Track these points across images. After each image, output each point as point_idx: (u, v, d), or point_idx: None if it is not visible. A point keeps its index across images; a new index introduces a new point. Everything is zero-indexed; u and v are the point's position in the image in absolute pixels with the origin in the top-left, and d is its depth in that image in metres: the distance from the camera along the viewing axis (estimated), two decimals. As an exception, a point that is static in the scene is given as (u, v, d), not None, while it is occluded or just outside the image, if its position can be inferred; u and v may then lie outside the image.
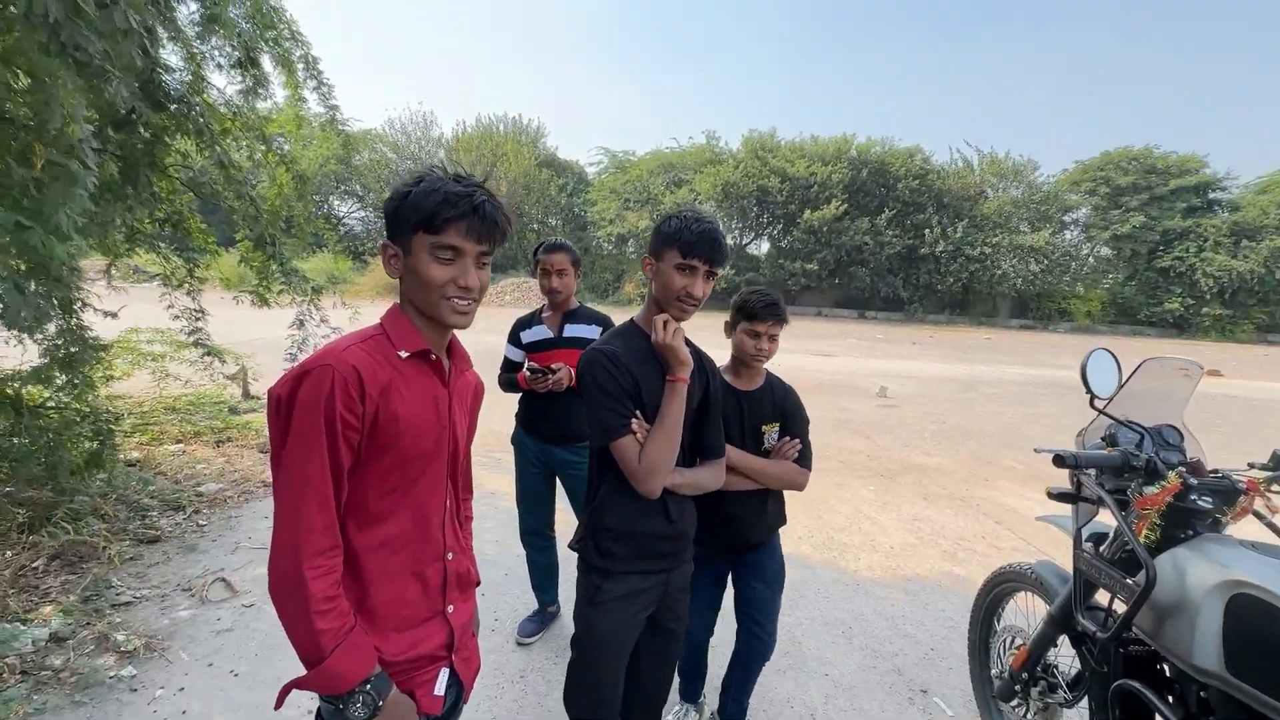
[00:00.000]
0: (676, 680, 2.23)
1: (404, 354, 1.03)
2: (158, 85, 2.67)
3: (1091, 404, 1.53)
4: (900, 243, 25.66)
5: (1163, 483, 1.48)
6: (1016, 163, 28.04)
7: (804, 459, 2.00)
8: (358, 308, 4.12)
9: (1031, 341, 20.36)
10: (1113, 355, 1.56)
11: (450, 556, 1.10)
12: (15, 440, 3.28)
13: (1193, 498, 1.46)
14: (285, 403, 0.92)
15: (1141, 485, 1.53)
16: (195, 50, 3.51)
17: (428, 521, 1.05)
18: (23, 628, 2.40)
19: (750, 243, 28.46)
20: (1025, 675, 1.88)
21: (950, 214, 26.50)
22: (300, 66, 3.98)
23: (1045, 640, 1.82)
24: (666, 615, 1.54)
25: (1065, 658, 1.83)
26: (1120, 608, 1.51)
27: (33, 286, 2.34)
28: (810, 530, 4.00)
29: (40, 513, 3.04)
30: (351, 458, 0.95)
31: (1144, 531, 1.51)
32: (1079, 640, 1.72)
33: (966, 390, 10.00)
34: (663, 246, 1.42)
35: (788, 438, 1.99)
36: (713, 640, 2.17)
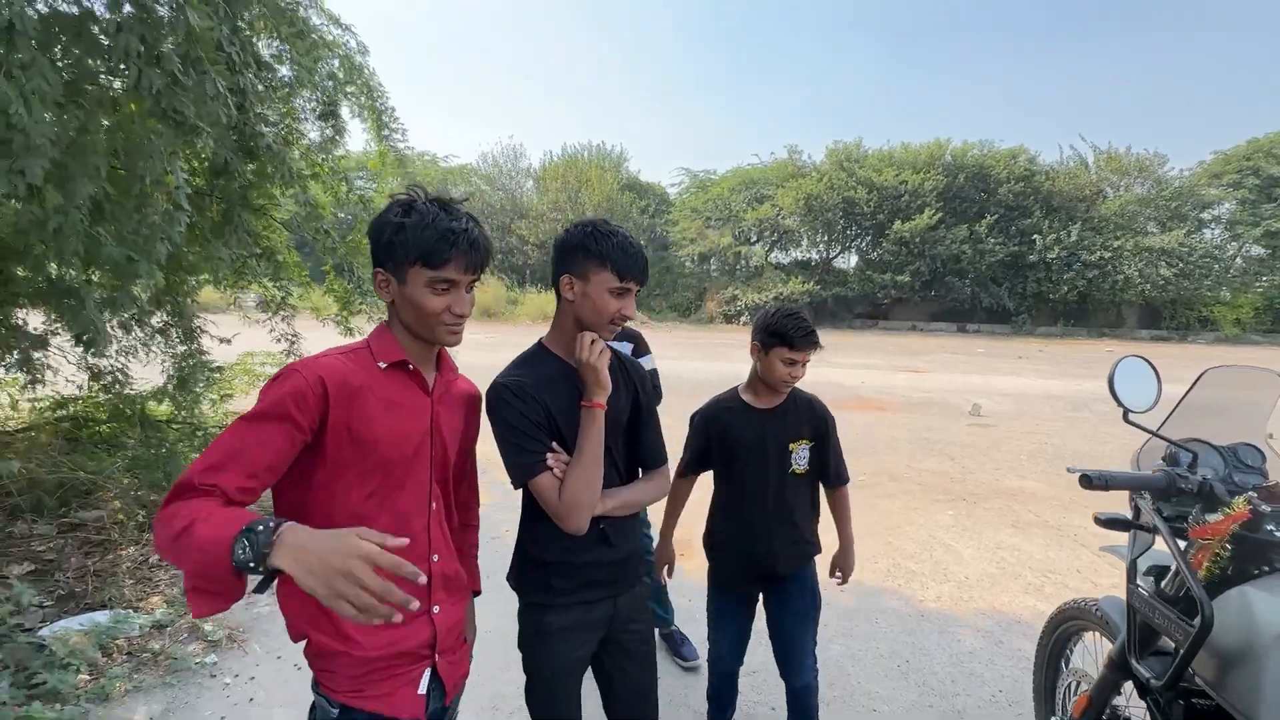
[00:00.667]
0: (705, 707, 2.17)
1: (383, 365, 1.11)
2: (250, 137, 3.03)
3: (1125, 419, 1.36)
4: (1004, 250, 23.81)
5: (1226, 509, 1.28)
6: (1140, 157, 25.31)
7: (840, 474, 1.95)
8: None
9: (1167, 354, 18.11)
10: (1148, 363, 1.38)
11: (436, 559, 1.15)
12: (141, 451, 3.77)
13: (1268, 528, 1.26)
14: (260, 393, 1.02)
15: (1202, 512, 1.33)
16: (289, 107, 3.96)
17: (410, 523, 1.11)
18: (134, 615, 2.74)
19: (837, 256, 27.54)
20: (1087, 725, 1.67)
21: (1062, 217, 24.30)
22: (375, 114, 4.38)
23: (1108, 687, 1.61)
24: (624, 636, 1.47)
25: (1138, 708, 1.61)
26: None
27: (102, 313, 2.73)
28: (875, 556, 3.77)
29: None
30: (290, 452, 0.99)
31: (1205, 566, 1.31)
32: (1144, 689, 1.51)
33: (1076, 409, 9.06)
34: (589, 266, 1.30)
35: (839, 573, 1.99)
36: (753, 668, 2.09)
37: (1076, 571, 3.61)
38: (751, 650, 2.10)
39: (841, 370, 12.32)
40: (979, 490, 5.11)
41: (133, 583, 3.01)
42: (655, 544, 2.14)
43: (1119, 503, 1.62)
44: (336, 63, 4.27)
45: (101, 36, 2.51)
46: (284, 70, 3.89)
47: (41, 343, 3.58)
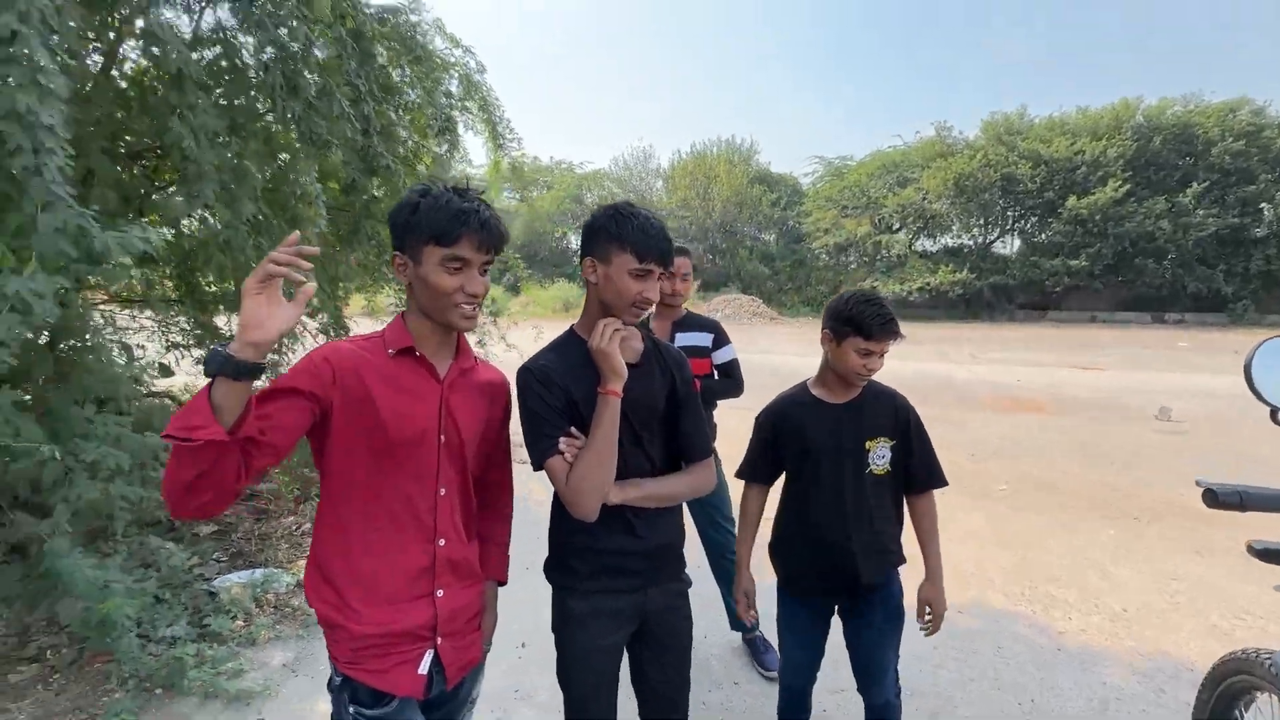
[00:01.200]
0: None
1: (392, 351, 1.16)
2: (372, 158, 3.38)
3: (1273, 417, 1.04)
4: (1217, 223, 19.79)
5: None
6: None
7: (931, 477, 1.72)
8: (541, 328, 4.65)
9: None
10: None
11: (442, 543, 1.18)
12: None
13: None
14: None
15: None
16: (419, 124, 4.37)
17: (413, 504, 1.15)
18: (284, 574, 3.17)
19: (995, 240, 24.69)
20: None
21: (1302, 179, 19.70)
22: (491, 126, 4.69)
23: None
24: (657, 631, 1.42)
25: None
26: None
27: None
28: (1010, 574, 3.31)
29: (307, 488, 3.98)
30: (300, 420, 1.06)
31: None
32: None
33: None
34: (610, 248, 1.28)
35: (928, 611, 1.73)
36: (840, 685, 1.92)
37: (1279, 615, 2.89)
38: (837, 665, 1.93)
39: (994, 366, 11.03)
40: (1154, 506, 4.29)
41: (287, 546, 3.50)
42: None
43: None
44: (455, 82, 4.64)
45: (251, 75, 2.94)
46: (411, 94, 4.30)
47: (225, 340, 4.30)
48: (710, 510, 2.55)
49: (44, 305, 1.74)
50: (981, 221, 24.29)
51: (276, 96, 2.79)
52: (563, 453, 1.27)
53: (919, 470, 1.71)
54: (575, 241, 32.96)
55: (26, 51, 1.70)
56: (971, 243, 24.88)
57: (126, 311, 4.05)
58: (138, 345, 3.84)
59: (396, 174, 3.52)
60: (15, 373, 2.25)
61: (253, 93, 2.94)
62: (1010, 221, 24.17)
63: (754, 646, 2.61)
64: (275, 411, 1.02)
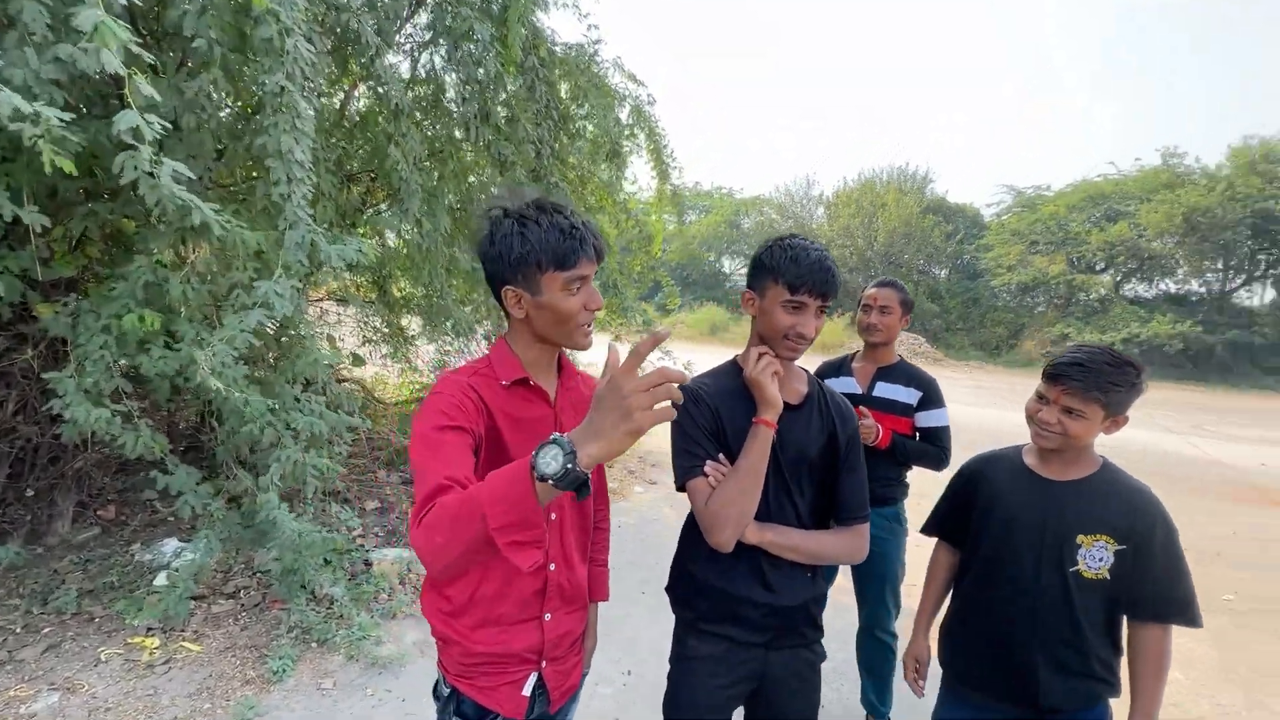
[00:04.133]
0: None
1: (505, 382, 1.12)
2: (543, 177, 3.67)
3: None
4: None
5: None
6: None
7: (1167, 607, 1.34)
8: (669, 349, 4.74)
9: None
10: None
11: (552, 568, 1.17)
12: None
13: None
14: (425, 411, 1.10)
15: None
16: (591, 148, 4.67)
17: None
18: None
19: (1238, 288, 20.45)
20: None
21: None
22: (657, 154, 4.86)
23: None
24: (776, 697, 1.31)
25: None
26: None
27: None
28: (1229, 712, 2.64)
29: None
30: (469, 456, 1.02)
31: None
32: None
33: None
34: (765, 280, 1.27)
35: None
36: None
37: None
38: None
39: (1230, 445, 9.02)
40: None
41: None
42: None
43: None
44: (626, 112, 4.88)
45: (451, 107, 3.34)
46: (587, 123, 4.60)
47: (409, 340, 4.87)
48: (881, 581, 2.27)
49: (283, 303, 2.10)
50: (1219, 266, 20.30)
51: (471, 125, 3.14)
52: (706, 475, 1.26)
53: (1151, 592, 1.35)
54: (728, 265, 33.08)
55: (290, 103, 2.07)
56: (1204, 290, 20.87)
57: (333, 310, 4.76)
58: (340, 338, 4.49)
59: (563, 192, 3.79)
60: (250, 354, 2.74)
61: (451, 121, 3.34)
62: (1262, 267, 19.93)
63: (880, 732, 2.33)
64: (469, 467, 0.97)
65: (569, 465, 0.75)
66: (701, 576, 1.34)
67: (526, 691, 1.16)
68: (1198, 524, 5.29)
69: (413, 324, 4.92)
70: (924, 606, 1.67)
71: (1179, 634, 1.35)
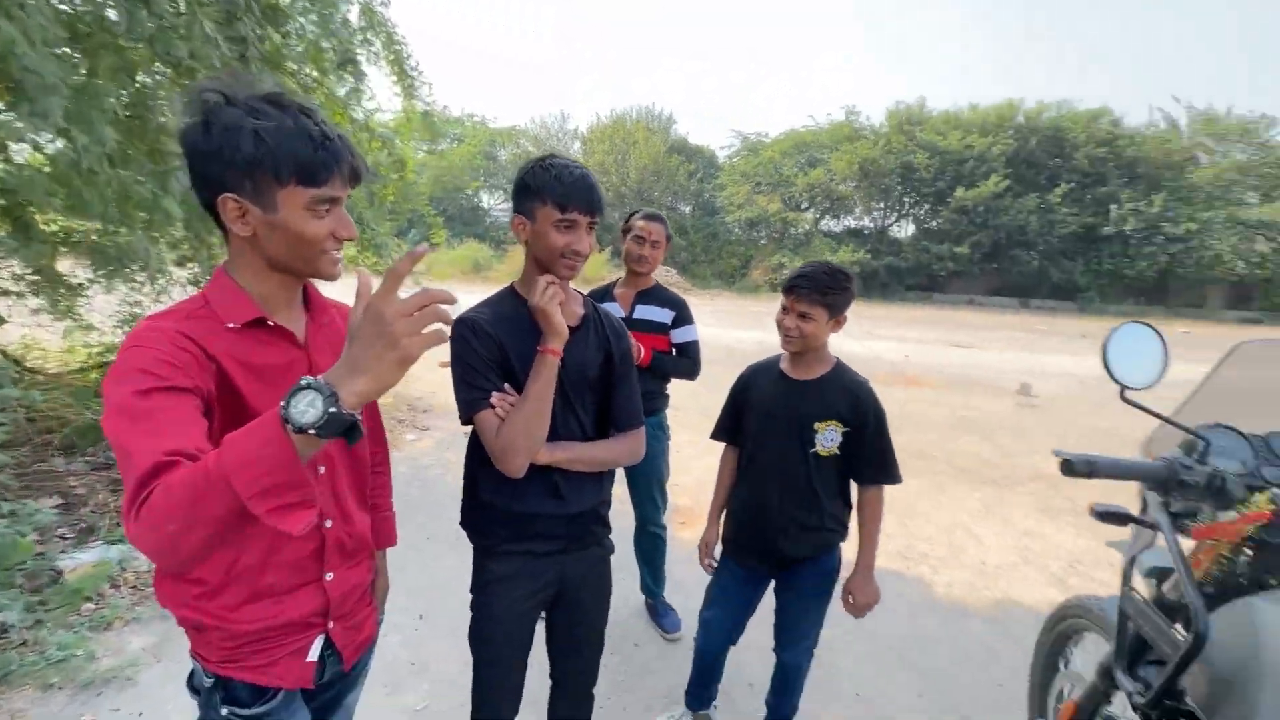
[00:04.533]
0: (678, 679, 2.11)
1: (233, 325, 0.93)
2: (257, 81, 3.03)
3: (1122, 397, 1.17)
4: (1077, 221, 22.19)
5: (1243, 508, 1.10)
6: (1242, 119, 22.96)
7: (879, 473, 1.70)
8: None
9: (1250, 337, 16.71)
10: (1155, 331, 1.18)
11: (329, 524, 1.05)
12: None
13: (1296, 534, 1.07)
14: (116, 375, 0.86)
15: (1215, 510, 1.15)
16: (315, 53, 3.94)
17: None
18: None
19: (892, 224, 26.33)
20: (1074, 735, 1.52)
21: (1145, 186, 22.38)
22: (399, 65, 4.31)
23: (1097, 696, 1.45)
24: (576, 597, 1.43)
25: (1136, 720, 1.45)
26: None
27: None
28: (888, 536, 3.59)
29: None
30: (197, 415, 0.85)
31: (1204, 568, 1.13)
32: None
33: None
34: (534, 202, 1.25)
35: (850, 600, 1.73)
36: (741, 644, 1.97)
37: (1108, 564, 3.35)
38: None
39: (887, 344, 11.87)
40: (1014, 474, 4.81)
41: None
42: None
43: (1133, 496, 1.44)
44: (356, 11, 4.21)
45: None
46: (303, 21, 3.86)
47: (76, 290, 3.76)
48: (649, 481, 2.53)
49: None
50: (881, 205, 25.78)
51: (120, 6, 2.40)
52: (494, 406, 1.24)
53: (868, 464, 1.71)
54: (487, 200, 31.69)
55: None
56: (872, 225, 26.37)
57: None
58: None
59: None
60: None
61: (98, -1, 2.51)
62: (906, 207, 25.82)
63: (656, 611, 2.68)
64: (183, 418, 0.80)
65: (331, 409, 0.66)
66: (495, 502, 1.34)
67: (313, 657, 1.04)
68: (869, 406, 6.94)
69: (78, 269, 3.80)
70: (715, 501, 1.92)
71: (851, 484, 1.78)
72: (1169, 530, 1.15)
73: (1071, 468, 1.15)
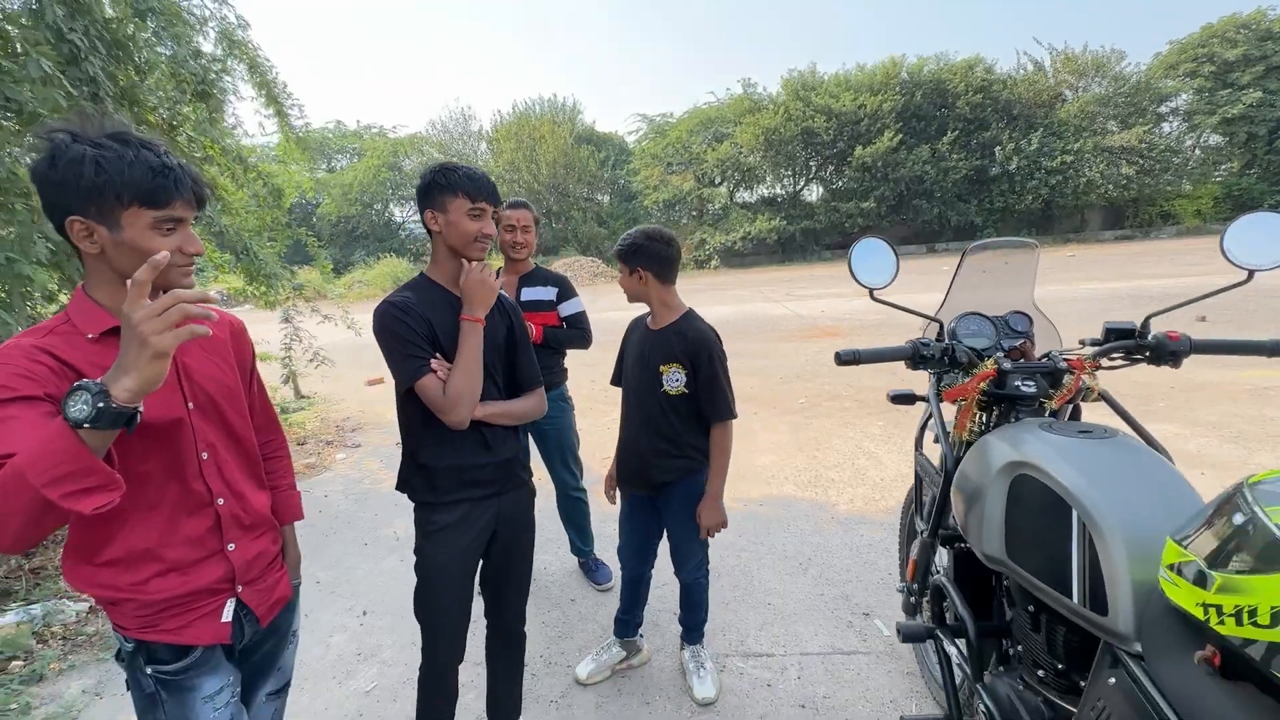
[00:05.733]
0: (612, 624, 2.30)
1: (91, 336, 1.02)
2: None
3: (872, 297, 1.45)
4: (966, 166, 23.69)
5: (976, 371, 1.40)
6: (1097, 56, 24.96)
7: (711, 410, 1.91)
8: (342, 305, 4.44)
9: (1126, 253, 18.41)
10: (885, 242, 1.47)
11: (221, 502, 1.19)
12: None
13: (1015, 384, 1.38)
14: None
15: (962, 377, 1.45)
16: (175, 84, 3.86)
17: (182, 473, 1.14)
18: (69, 603, 2.85)
19: (802, 189, 27.29)
20: (916, 587, 1.83)
21: (1022, 126, 24.11)
22: (267, 89, 4.27)
23: (925, 549, 1.76)
24: (508, 532, 1.65)
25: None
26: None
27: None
28: (800, 470, 3.95)
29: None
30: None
31: (966, 425, 1.44)
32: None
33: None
34: (444, 197, 1.48)
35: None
36: (665, 579, 2.23)
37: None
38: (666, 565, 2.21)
39: (804, 302, 12.47)
40: (912, 400, 5.29)
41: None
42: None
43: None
44: (212, 41, 4.14)
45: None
46: (161, 51, 3.78)
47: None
48: (563, 450, 2.74)
49: None
50: (790, 172, 26.63)
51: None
52: (435, 371, 1.46)
53: (707, 401, 1.91)
54: (399, 213, 30.79)
55: None
56: (783, 192, 27.24)
57: None
58: None
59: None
60: None
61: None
62: (813, 171, 26.79)
63: (587, 567, 2.90)
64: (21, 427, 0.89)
65: (100, 405, 0.78)
66: (435, 460, 1.55)
67: (227, 618, 1.18)
68: (783, 356, 7.37)
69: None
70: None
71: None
72: (933, 398, 1.45)
73: (840, 358, 1.42)
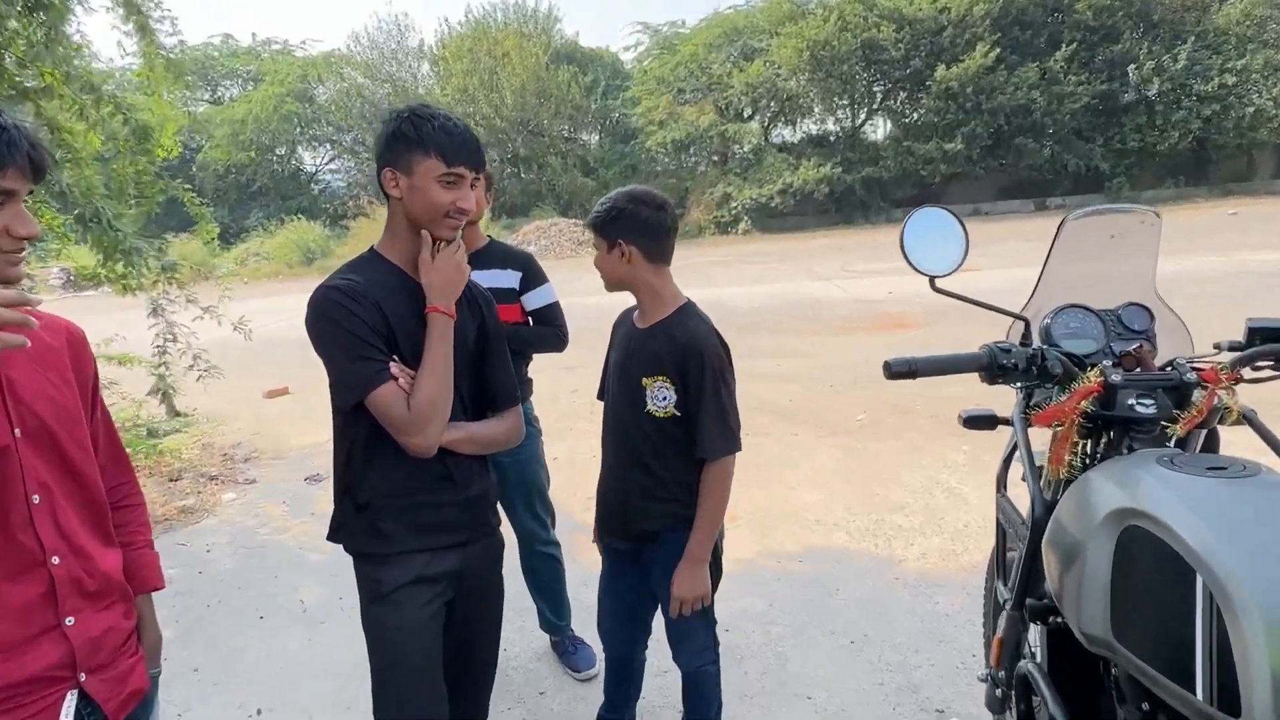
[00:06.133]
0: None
1: None
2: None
3: (933, 286, 1.48)
4: (1088, 92, 23.70)
5: (1076, 386, 1.42)
6: (1269, -63, 25.04)
7: (699, 443, 1.88)
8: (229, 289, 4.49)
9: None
10: (950, 213, 1.50)
11: (56, 560, 1.22)
12: None
13: (1128, 402, 1.40)
14: None
15: (1061, 392, 1.48)
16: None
17: (6, 524, 1.17)
18: None
19: (863, 124, 27.35)
20: (1003, 675, 1.86)
21: (1165, 36, 24.11)
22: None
23: (1014, 625, 1.79)
24: (476, 588, 1.67)
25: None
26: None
27: None
28: (855, 511, 3.99)
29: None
30: None
31: (1063, 459, 1.46)
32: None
33: (1193, 301, 9.27)
34: (412, 154, 1.47)
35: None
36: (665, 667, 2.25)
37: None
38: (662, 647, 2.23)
39: (867, 280, 12.49)
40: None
41: None
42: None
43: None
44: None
45: None
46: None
47: None
48: (527, 490, 2.73)
49: None
50: (846, 102, 26.66)
51: None
52: (396, 378, 1.45)
53: (701, 430, 1.87)
54: (311, 160, 30.91)
55: None
56: (837, 129, 27.27)
57: None
58: None
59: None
60: None
61: None
62: (878, 100, 26.83)
63: (562, 648, 2.93)
64: None
65: None
66: (384, 500, 1.55)
67: (66, 717, 1.21)
68: (838, 355, 7.43)
69: None
70: None
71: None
72: (1018, 422, 1.47)
73: (891, 370, 1.45)
